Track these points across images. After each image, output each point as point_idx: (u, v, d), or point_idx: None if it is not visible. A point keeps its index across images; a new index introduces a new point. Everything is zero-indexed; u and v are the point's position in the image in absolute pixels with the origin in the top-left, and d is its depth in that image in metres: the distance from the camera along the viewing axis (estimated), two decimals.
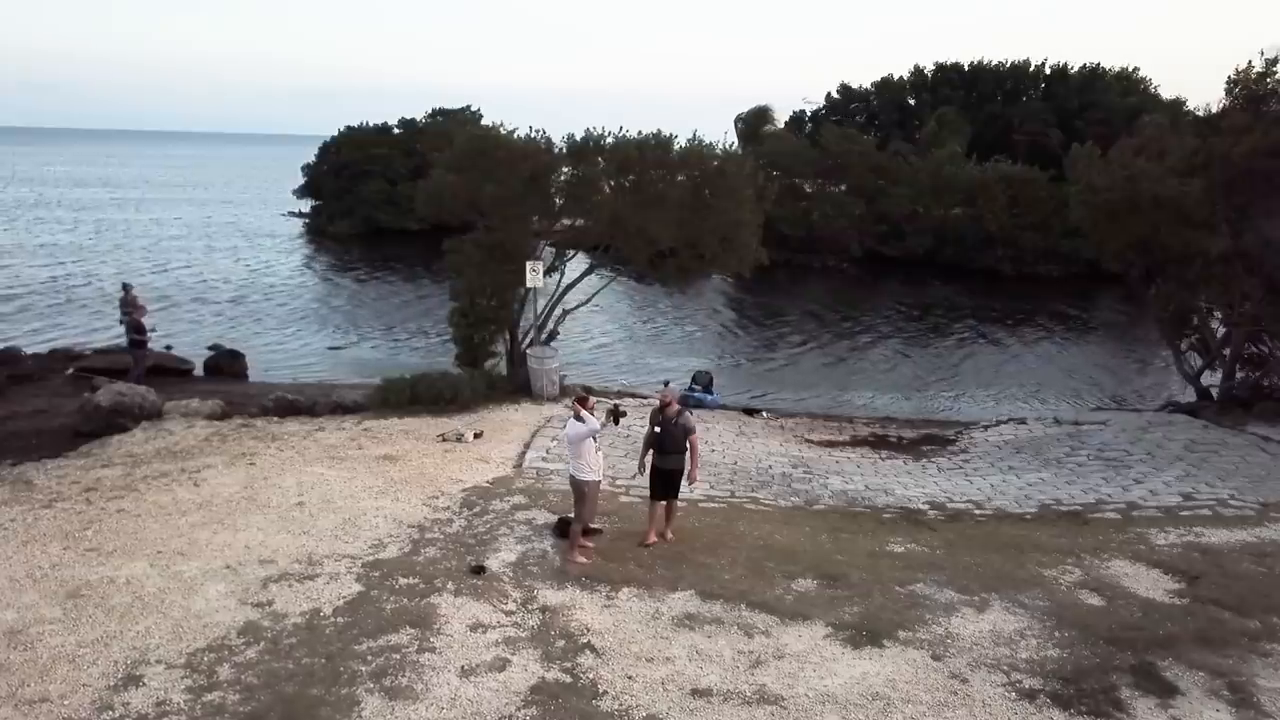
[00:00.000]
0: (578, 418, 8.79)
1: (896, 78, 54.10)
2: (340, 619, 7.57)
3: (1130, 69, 49.92)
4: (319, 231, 47.39)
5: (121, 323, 20.77)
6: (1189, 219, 16.09)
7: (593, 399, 9.13)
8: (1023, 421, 17.11)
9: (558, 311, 18.11)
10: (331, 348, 23.98)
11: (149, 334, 17.18)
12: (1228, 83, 15.87)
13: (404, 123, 48.59)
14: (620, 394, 17.73)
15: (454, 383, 15.64)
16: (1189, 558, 9.53)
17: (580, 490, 8.83)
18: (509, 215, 16.77)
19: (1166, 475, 12.74)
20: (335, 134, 49.34)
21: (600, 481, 9.10)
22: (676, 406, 9.36)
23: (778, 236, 29.19)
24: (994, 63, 52.01)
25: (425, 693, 6.52)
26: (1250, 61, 15.66)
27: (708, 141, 17.29)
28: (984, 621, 7.91)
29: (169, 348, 21.25)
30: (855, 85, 54.73)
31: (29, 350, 20.28)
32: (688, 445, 9.28)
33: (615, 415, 9.29)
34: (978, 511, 11.38)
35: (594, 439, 8.78)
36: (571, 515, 9.36)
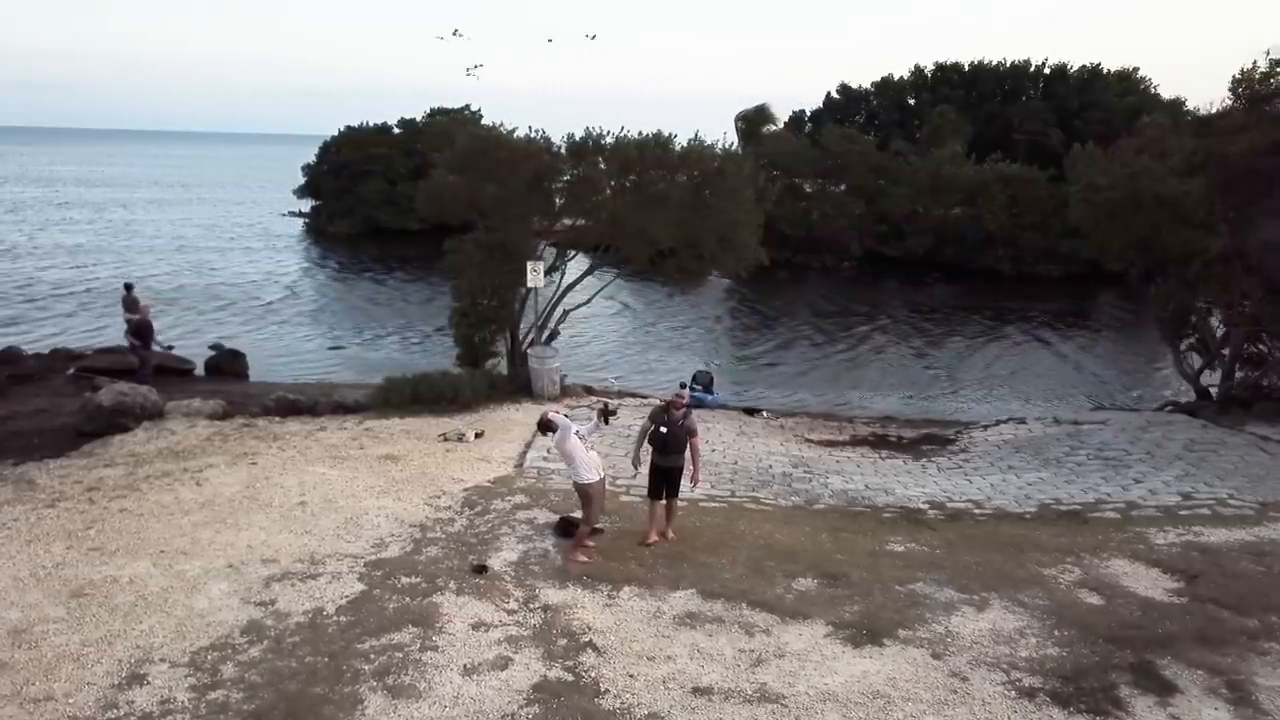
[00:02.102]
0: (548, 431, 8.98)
1: (896, 78, 54.13)
2: (343, 618, 7.60)
3: (1130, 69, 49.99)
4: (319, 231, 47.46)
5: (127, 322, 20.79)
6: (1189, 219, 16.12)
7: (549, 413, 9.28)
8: (1022, 421, 17.13)
9: (558, 311, 18.14)
10: (332, 347, 24.01)
11: (155, 336, 17.24)
12: (1232, 82, 15.85)
13: (404, 123, 48.61)
14: (620, 394, 17.76)
15: (455, 382, 15.67)
16: (1188, 557, 9.55)
17: (585, 493, 8.82)
18: (509, 215, 16.79)
19: (1166, 475, 12.76)
20: (335, 134, 49.40)
21: (603, 480, 9.09)
22: (683, 409, 9.39)
23: (778, 236, 29.25)
24: (994, 62, 52.04)
25: (428, 691, 6.55)
26: (1255, 61, 15.66)
27: (708, 141, 17.34)
28: (984, 620, 7.93)
29: (170, 348, 21.27)
30: (855, 85, 54.84)
31: (30, 350, 20.30)
32: (689, 445, 9.31)
33: (605, 414, 9.30)
34: (977, 511, 11.41)
35: (580, 438, 8.78)
36: (572, 515, 9.41)
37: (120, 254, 37.94)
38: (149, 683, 6.59)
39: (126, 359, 18.72)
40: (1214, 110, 16.76)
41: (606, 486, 9.44)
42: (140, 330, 17.10)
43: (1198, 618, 8.04)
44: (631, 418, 13.81)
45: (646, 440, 9.46)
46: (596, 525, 9.41)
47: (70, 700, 6.35)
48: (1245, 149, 14.60)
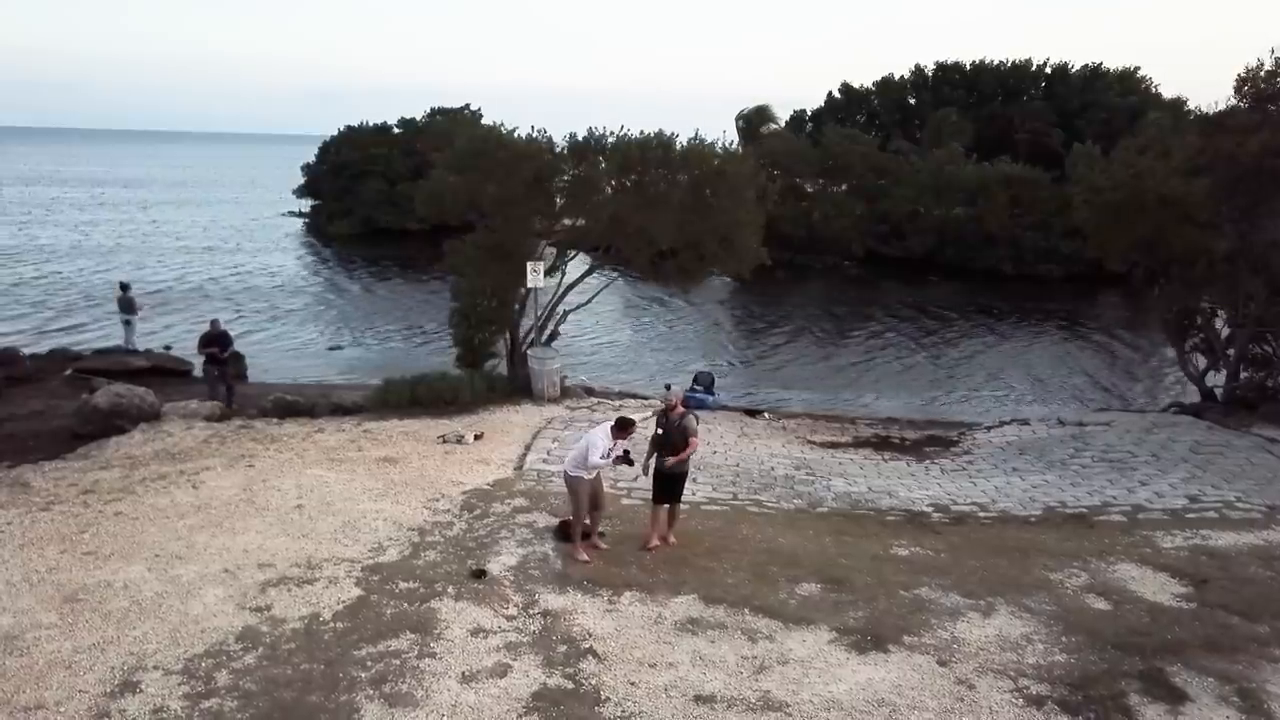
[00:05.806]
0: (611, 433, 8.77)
1: (897, 77, 54.00)
2: (339, 624, 7.49)
3: (1131, 68, 49.84)
4: (319, 231, 47.37)
5: (125, 323, 20.65)
6: (1193, 219, 16.00)
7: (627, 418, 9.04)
8: (1026, 422, 17.01)
9: (558, 312, 18.03)
10: (331, 348, 23.90)
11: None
12: (1237, 81, 15.72)
13: (404, 123, 48.49)
14: (621, 394, 17.66)
15: (454, 384, 15.57)
16: (1196, 561, 9.44)
17: (569, 487, 8.83)
18: (510, 216, 16.68)
19: (1172, 477, 12.64)
20: (335, 134, 49.30)
21: (594, 480, 8.91)
22: (681, 410, 9.28)
23: (779, 237, 29.11)
24: (995, 62, 51.90)
25: (425, 699, 6.44)
26: (1259, 60, 15.52)
27: (709, 141, 17.23)
28: (990, 626, 7.82)
29: (168, 348, 21.21)
30: (856, 85, 54.69)
31: (28, 351, 20.18)
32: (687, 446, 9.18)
33: (626, 460, 8.94)
34: (982, 514, 11.30)
35: (600, 459, 8.69)
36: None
37: (118, 254, 37.82)
38: (142, 691, 6.47)
39: (127, 362, 18.62)
40: (1219, 110, 16.63)
41: (604, 488, 9.33)
42: (213, 341, 15.51)
43: (1207, 624, 7.93)
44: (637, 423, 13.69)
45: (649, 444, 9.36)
46: (599, 529, 9.31)
47: (61, 709, 6.24)
48: (1258, 148, 14.46)
